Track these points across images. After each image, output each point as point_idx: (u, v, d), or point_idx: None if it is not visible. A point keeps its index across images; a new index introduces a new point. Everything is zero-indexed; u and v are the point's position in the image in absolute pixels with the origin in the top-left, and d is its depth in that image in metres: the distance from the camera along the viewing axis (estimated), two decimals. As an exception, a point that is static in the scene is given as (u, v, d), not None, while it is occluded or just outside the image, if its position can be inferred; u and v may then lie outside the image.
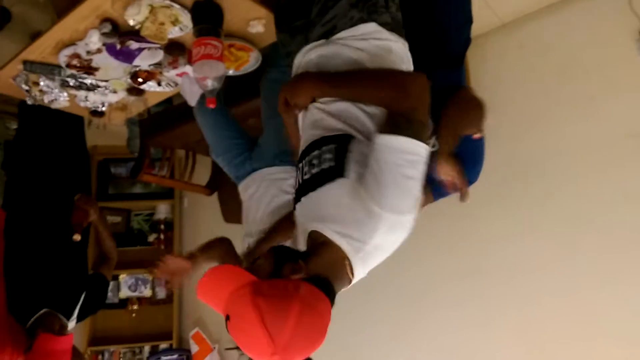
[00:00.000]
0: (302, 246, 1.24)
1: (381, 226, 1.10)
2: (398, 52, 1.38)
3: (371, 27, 1.37)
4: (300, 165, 1.31)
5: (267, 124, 2.27)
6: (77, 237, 2.31)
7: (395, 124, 1.15)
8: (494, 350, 2.59)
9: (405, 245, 1.19)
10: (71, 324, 2.27)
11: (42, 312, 2.12)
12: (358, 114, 1.26)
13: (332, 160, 1.20)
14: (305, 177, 1.26)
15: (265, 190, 2.14)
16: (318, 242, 1.16)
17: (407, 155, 1.11)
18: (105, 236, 2.67)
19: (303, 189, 1.26)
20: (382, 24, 1.38)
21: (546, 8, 2.70)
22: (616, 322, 2.27)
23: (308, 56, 1.44)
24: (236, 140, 2.35)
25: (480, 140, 1.69)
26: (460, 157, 1.62)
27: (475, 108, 1.66)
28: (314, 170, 1.23)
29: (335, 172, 1.18)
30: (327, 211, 1.16)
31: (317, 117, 1.32)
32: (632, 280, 2.25)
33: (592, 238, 2.38)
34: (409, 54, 1.42)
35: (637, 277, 2.25)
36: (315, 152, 1.25)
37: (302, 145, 1.35)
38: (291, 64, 1.54)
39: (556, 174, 2.53)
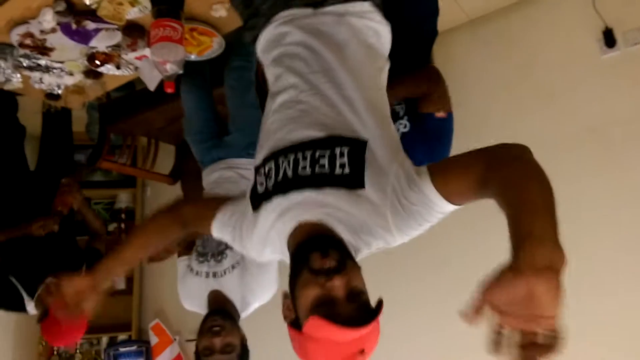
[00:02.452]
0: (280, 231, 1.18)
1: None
2: (385, 37, 1.34)
3: (366, 7, 1.30)
4: (292, 156, 1.16)
5: (237, 114, 2.23)
6: (55, 227, 2.47)
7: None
8: None
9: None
10: None
11: (48, 280, 2.25)
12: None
13: (346, 167, 1.11)
14: (304, 172, 1.14)
15: (230, 179, 2.13)
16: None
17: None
18: (91, 217, 2.92)
19: (296, 183, 1.14)
20: (376, 5, 1.32)
21: (513, 5, 2.71)
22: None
23: (294, 25, 1.29)
24: (211, 122, 2.32)
25: (445, 120, 1.72)
26: (427, 134, 1.67)
27: (438, 85, 1.74)
28: (321, 170, 1.12)
29: (353, 181, 1.10)
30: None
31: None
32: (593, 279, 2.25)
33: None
34: (390, 39, 1.36)
35: (600, 273, 2.27)
36: (326, 152, 1.13)
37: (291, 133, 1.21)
38: (259, 24, 1.38)
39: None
